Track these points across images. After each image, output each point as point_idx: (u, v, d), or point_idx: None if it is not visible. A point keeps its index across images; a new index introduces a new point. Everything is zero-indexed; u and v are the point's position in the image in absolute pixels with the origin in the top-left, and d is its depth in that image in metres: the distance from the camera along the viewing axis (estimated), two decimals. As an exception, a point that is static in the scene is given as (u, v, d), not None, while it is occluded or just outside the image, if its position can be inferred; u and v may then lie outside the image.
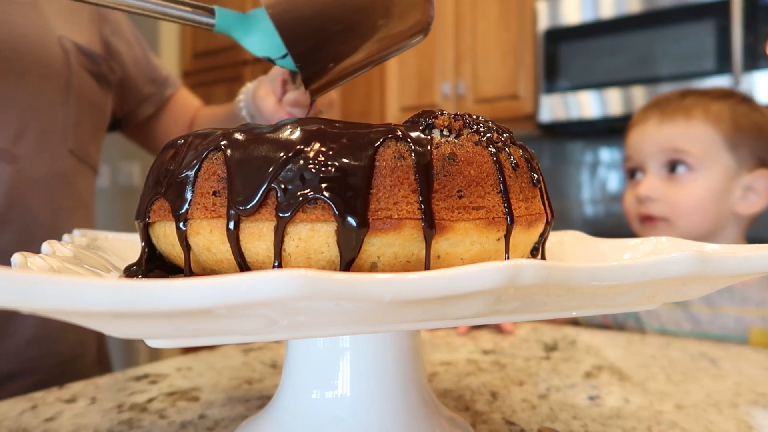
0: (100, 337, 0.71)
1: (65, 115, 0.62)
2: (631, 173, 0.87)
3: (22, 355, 0.58)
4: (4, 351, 0.57)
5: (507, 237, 0.27)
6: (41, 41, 0.60)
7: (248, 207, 0.24)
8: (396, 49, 0.41)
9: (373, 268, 0.25)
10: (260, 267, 0.26)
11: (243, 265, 0.26)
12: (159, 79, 0.78)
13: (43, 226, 0.59)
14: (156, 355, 2.38)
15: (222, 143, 0.26)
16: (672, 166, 0.80)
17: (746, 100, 0.83)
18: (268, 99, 0.54)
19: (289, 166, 0.24)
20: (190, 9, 0.38)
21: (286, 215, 0.24)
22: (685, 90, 0.87)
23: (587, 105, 1.88)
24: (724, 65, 1.65)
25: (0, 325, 0.56)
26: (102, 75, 0.68)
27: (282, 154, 0.25)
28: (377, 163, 0.25)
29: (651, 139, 0.82)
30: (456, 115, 0.28)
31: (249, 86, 0.62)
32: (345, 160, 0.24)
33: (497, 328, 0.72)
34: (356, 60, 0.39)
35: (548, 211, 0.31)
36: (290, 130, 0.26)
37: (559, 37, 1.92)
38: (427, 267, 0.25)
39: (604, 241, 0.38)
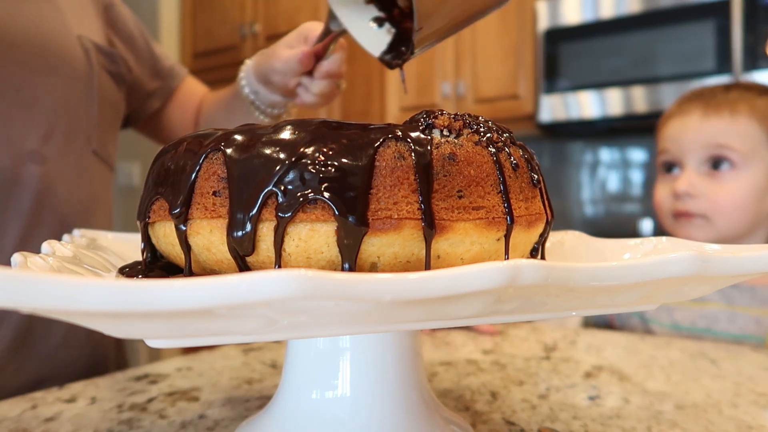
0: (117, 340, 0.71)
1: (89, 115, 0.62)
2: (667, 167, 0.83)
3: (53, 359, 0.58)
4: (35, 355, 0.56)
5: (507, 237, 0.27)
6: (63, 41, 0.60)
7: (244, 248, 0.25)
8: (477, 16, 0.40)
9: (373, 268, 0.25)
10: (260, 267, 0.26)
11: (243, 265, 0.26)
12: (163, 72, 0.77)
13: (72, 228, 0.58)
14: (156, 355, 2.38)
15: (222, 144, 0.26)
16: (714, 163, 0.76)
17: None
18: (291, 53, 0.54)
19: (288, 167, 0.24)
20: None
21: (286, 216, 0.24)
22: (729, 83, 0.83)
23: (587, 105, 1.88)
24: (724, 65, 1.65)
25: (31, 329, 0.56)
26: (119, 74, 0.68)
27: (282, 154, 0.25)
28: (377, 163, 0.25)
29: (693, 132, 0.78)
30: (456, 115, 0.28)
31: (248, 62, 0.61)
32: (345, 161, 0.24)
33: (477, 330, 0.70)
34: (452, 23, 0.39)
35: (548, 211, 0.31)
36: (290, 130, 0.26)
37: (559, 37, 1.92)
38: (427, 267, 0.25)
39: (604, 241, 0.38)
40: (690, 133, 0.78)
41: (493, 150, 0.27)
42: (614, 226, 2.19)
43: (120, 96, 0.70)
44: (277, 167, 0.24)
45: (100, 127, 0.64)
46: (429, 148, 0.25)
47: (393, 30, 0.42)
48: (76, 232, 0.39)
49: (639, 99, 1.78)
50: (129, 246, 0.41)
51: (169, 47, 2.76)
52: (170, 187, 0.27)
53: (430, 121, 0.27)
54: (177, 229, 0.27)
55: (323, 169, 0.24)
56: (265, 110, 0.61)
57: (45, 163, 0.57)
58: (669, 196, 0.80)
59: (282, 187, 0.24)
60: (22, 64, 0.55)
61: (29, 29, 0.56)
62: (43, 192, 0.56)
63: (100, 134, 0.64)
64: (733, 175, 0.75)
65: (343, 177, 0.24)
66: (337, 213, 0.24)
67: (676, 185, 0.78)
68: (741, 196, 0.75)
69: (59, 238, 0.57)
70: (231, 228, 0.25)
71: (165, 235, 0.28)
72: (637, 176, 2.16)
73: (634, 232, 2.07)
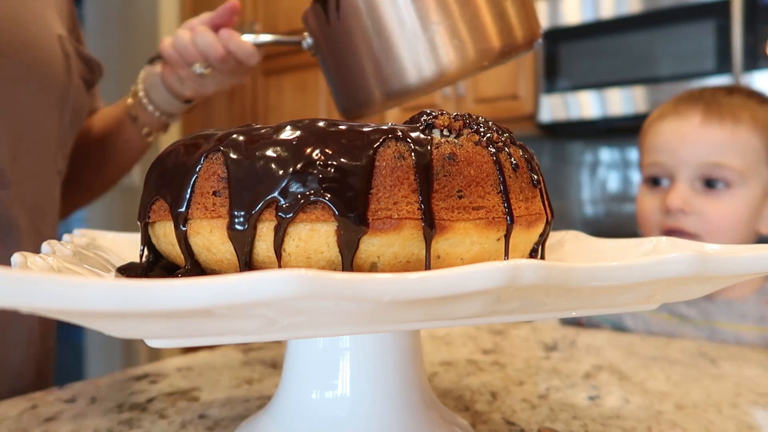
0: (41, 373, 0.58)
1: (60, 131, 0.54)
2: (654, 180, 0.77)
3: None
4: None
5: (507, 237, 0.27)
6: (44, 42, 0.51)
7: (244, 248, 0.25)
8: None
9: (373, 268, 0.25)
10: (260, 267, 0.26)
11: (243, 265, 0.26)
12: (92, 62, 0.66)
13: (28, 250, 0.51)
14: (156, 355, 2.38)
15: (222, 144, 0.26)
16: (708, 181, 0.72)
17: None
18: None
19: (289, 168, 0.24)
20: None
21: (287, 216, 0.24)
22: (730, 86, 0.79)
23: (587, 105, 1.88)
24: (724, 65, 1.65)
25: None
26: (92, 82, 0.60)
27: (282, 155, 0.25)
28: (377, 163, 0.25)
29: (691, 143, 0.73)
30: (456, 115, 0.28)
31: (143, 74, 0.59)
32: (345, 161, 0.24)
33: None
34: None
35: (548, 211, 0.31)
36: (290, 130, 0.26)
37: (559, 37, 1.92)
38: (427, 267, 0.25)
39: (604, 241, 0.38)
40: (687, 144, 0.73)
41: (493, 150, 0.27)
42: (614, 226, 2.19)
43: (88, 104, 0.61)
44: (278, 168, 0.24)
45: (67, 144, 0.56)
46: (429, 148, 0.25)
47: None
48: (77, 231, 0.39)
49: (639, 99, 1.78)
50: (129, 246, 0.41)
51: (169, 47, 2.76)
52: (170, 187, 0.27)
53: (430, 121, 0.27)
54: (177, 229, 0.27)
55: (323, 169, 0.24)
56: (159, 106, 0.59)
57: (10, 187, 0.48)
58: (658, 210, 0.76)
59: (282, 188, 0.24)
60: None
61: (10, 28, 0.48)
62: (4, 219, 0.48)
63: (65, 152, 0.56)
64: (728, 194, 0.71)
65: (343, 177, 0.24)
66: (337, 213, 0.24)
67: (668, 201, 0.73)
68: (736, 217, 0.72)
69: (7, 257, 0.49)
70: (231, 228, 0.25)
71: (165, 235, 0.28)
72: (637, 176, 2.16)
73: (634, 232, 2.07)
